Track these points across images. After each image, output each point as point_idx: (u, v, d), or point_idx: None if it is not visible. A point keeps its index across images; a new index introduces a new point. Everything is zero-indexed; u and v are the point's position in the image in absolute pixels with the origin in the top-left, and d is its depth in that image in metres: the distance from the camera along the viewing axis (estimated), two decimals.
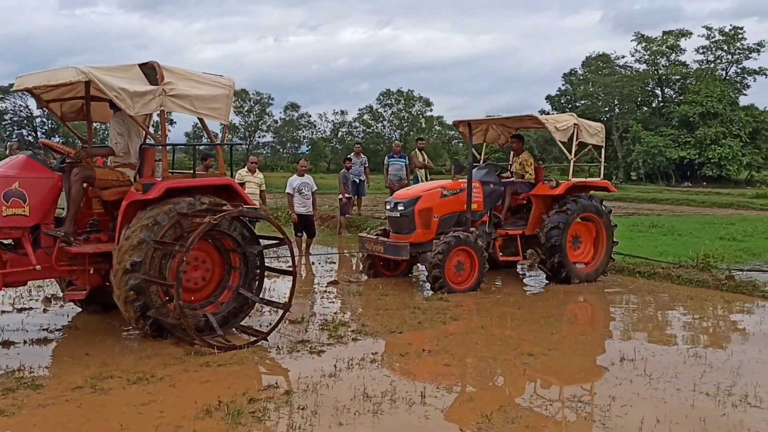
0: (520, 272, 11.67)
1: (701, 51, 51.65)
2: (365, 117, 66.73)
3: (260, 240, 7.17)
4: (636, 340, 7.19)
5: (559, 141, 10.29)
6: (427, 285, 9.50)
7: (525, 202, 10.83)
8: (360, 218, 16.70)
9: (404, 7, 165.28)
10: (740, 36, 50.16)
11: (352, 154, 17.04)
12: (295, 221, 12.85)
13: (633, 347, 6.75)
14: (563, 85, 59.49)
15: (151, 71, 6.79)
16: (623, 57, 55.80)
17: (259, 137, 67.52)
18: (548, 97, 60.12)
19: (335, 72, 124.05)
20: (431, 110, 67.29)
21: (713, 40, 50.83)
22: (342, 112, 66.69)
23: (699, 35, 51.59)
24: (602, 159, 11.07)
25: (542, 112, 60.24)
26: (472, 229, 9.88)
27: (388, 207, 10.18)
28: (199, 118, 7.01)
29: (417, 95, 66.88)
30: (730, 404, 5.22)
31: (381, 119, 67.25)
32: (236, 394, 5.19)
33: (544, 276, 10.60)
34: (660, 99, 54.83)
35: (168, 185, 6.64)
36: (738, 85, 51.10)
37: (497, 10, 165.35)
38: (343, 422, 4.78)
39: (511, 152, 11.31)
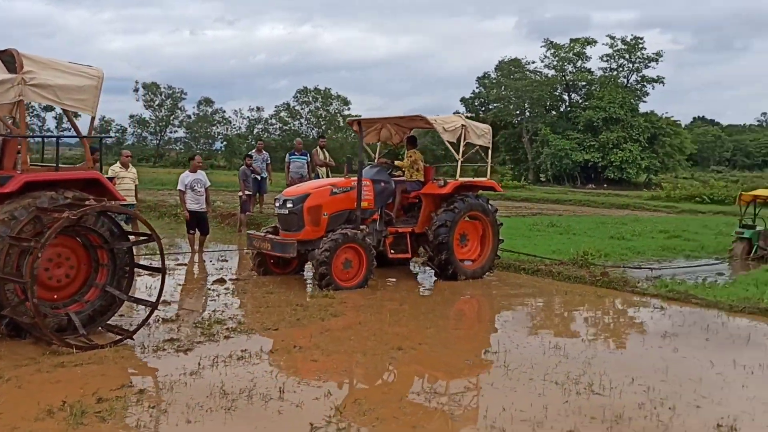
0: (414, 270, 11.87)
1: (605, 59, 54.19)
2: (282, 114, 66.07)
3: (129, 236, 6.97)
4: (504, 334, 7.46)
5: (447, 141, 10.53)
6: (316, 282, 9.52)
7: (417, 200, 11.03)
8: (261, 216, 16.51)
9: (324, 6, 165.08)
10: (641, 46, 52.93)
11: (253, 150, 16.84)
12: (188, 218, 12.58)
13: (498, 340, 7.00)
14: (477, 88, 61.00)
15: (10, 59, 6.49)
16: (533, 62, 57.76)
17: (170, 132, 65.61)
18: (462, 100, 61.53)
19: (253, 68, 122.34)
20: (349, 109, 67.41)
21: (616, 48, 53.41)
22: (258, 109, 65.66)
23: (603, 44, 54.01)
24: (489, 160, 11.40)
25: (456, 113, 61.39)
26: (362, 226, 9.96)
27: (277, 204, 10.13)
28: (63, 110, 6.75)
29: (335, 94, 66.82)
30: (575, 392, 5.50)
31: (298, 117, 66.76)
32: (85, 395, 5.04)
33: (433, 273, 10.83)
34: (567, 104, 57.03)
35: (27, 179, 6.36)
36: (638, 92, 53.81)
37: (417, 12, 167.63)
38: (192, 420, 4.73)
39: (405, 152, 11.46)
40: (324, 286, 9.17)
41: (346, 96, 67.74)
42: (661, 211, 32.54)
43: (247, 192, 15.40)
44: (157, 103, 64.57)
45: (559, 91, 56.97)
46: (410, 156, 11.01)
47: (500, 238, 11.15)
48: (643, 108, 53.42)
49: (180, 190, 12.70)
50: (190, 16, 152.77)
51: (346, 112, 67.44)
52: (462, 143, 10.64)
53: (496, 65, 59.07)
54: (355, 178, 10.06)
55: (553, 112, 56.93)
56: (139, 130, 64.68)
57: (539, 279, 11.07)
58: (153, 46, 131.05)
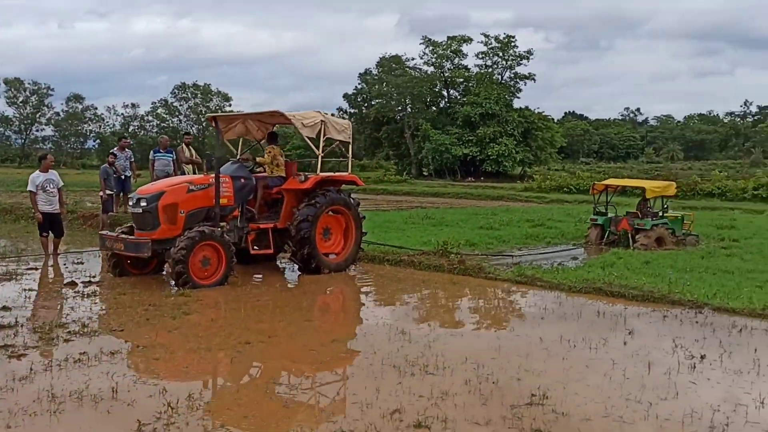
0: (282, 265, 11.90)
1: (480, 56, 56.19)
2: (159, 111, 63.84)
3: None
4: (354, 323, 7.70)
5: (307, 137, 10.61)
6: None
7: (279, 196, 11.05)
8: (126, 216, 15.91)
9: (203, 0, 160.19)
10: (513, 44, 55.31)
11: (116, 148, 16.20)
12: (41, 221, 11.95)
13: (347, 329, 7.22)
14: (359, 84, 61.51)
15: None
16: (413, 59, 58.99)
17: (37, 130, 61.77)
18: (345, 96, 61.87)
19: (129, 63, 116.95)
20: (230, 105, 66.12)
21: (490, 46, 55.51)
22: (133, 106, 63.10)
23: (478, 42, 56.01)
24: (350, 155, 11.58)
25: (340, 110, 61.77)
26: (223, 224, 9.87)
27: (130, 203, 9.85)
28: None
29: (215, 89, 65.38)
30: (410, 374, 5.78)
31: (177, 113, 64.73)
32: None
33: (297, 267, 10.92)
34: (446, 100, 58.71)
35: None
36: (512, 88, 56.24)
37: (299, 7, 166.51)
38: (13, 425, 4.58)
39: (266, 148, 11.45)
40: (181, 285, 9.02)
41: (227, 92, 66.53)
42: (532, 201, 34.29)
43: (108, 191, 14.80)
44: (21, 99, 60.57)
45: (438, 87, 58.49)
46: (269, 152, 11.03)
47: (363, 231, 11.40)
48: (518, 104, 55.96)
49: (30, 192, 12.03)
50: (58, 8, 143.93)
51: (228, 108, 66.18)
52: (322, 138, 10.77)
53: (378, 62, 59.89)
54: (213, 175, 9.95)
55: (434, 108, 58.41)
56: (1, 129, 60.43)
57: (401, 269, 11.43)
58: (18, 40, 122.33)
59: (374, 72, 60.36)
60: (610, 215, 15.68)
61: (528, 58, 55.37)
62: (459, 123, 53.91)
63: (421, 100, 57.24)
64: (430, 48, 56.41)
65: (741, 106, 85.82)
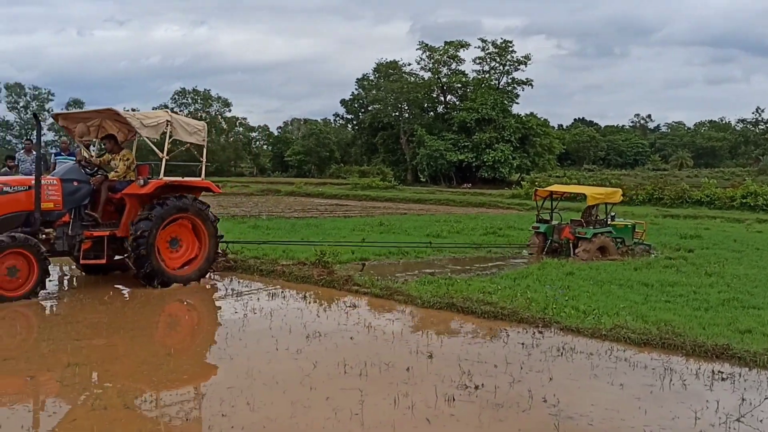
0: None
1: (477, 62, 55.21)
2: None
3: None
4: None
5: (147, 137, 9.74)
6: None
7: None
8: None
9: (219, 8, 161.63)
10: (510, 48, 54.27)
11: (21, 151, 15.56)
12: None
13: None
14: (356, 89, 60.91)
15: None
16: (410, 64, 58.21)
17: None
18: (342, 102, 61.30)
19: (146, 70, 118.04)
20: (230, 110, 66.00)
21: (488, 51, 54.51)
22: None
23: (476, 47, 55.05)
24: (203, 158, 10.64)
25: (336, 116, 61.17)
26: (49, 230, 9.03)
27: None
28: None
29: (215, 95, 65.25)
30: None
31: None
32: None
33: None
34: (444, 105, 57.81)
35: None
36: (510, 94, 55.16)
37: (314, 15, 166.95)
38: None
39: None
40: None
41: (226, 97, 66.43)
42: (512, 208, 33.25)
43: None
44: (21, 104, 60.94)
45: (435, 93, 57.65)
46: (126, 158, 10.09)
47: (219, 237, 10.41)
48: (522, 110, 54.94)
49: None
50: (77, 16, 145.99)
51: (228, 114, 66.16)
52: (167, 140, 9.88)
53: (374, 67, 59.28)
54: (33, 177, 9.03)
55: (430, 114, 57.57)
56: (2, 134, 60.90)
57: (267, 279, 10.55)
58: (38, 47, 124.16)
59: (371, 77, 59.70)
60: (553, 223, 14.72)
61: (526, 63, 54.28)
62: (455, 129, 53.01)
63: (418, 105, 56.43)
64: (427, 53, 55.65)
65: (753, 113, 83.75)
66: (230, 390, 5.15)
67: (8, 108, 59.78)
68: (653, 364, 6.25)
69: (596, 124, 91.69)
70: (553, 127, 58.84)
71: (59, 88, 76.42)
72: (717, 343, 6.58)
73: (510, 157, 51.44)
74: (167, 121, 9.84)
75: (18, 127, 60.70)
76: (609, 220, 14.56)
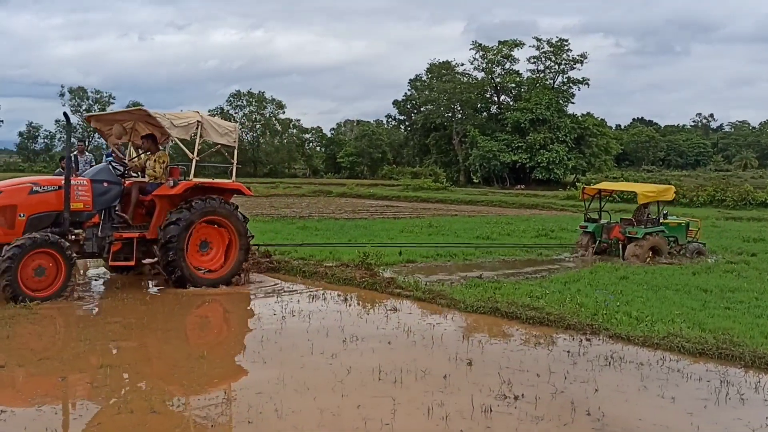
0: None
1: (532, 61, 54.27)
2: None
3: None
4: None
5: (177, 138, 9.68)
6: None
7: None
8: None
9: (276, 11, 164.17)
10: (566, 47, 53.16)
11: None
12: None
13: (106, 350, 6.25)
14: (409, 90, 60.69)
15: None
16: (462, 65, 57.64)
17: (100, 137, 64.09)
18: (395, 103, 61.18)
19: (204, 73, 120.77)
20: (284, 112, 66.71)
21: (542, 50, 53.52)
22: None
23: (530, 46, 54.13)
24: (235, 160, 10.50)
25: (388, 117, 61.06)
26: (79, 231, 8.99)
27: None
28: None
29: (269, 97, 66.06)
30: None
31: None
32: None
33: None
34: (497, 106, 57.04)
35: None
36: (565, 93, 54.02)
37: (369, 17, 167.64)
38: None
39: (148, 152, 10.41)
40: (9, 298, 8.04)
41: (280, 99, 67.19)
42: (567, 210, 32.38)
43: None
44: (84, 107, 62.99)
45: (489, 93, 56.95)
46: (162, 160, 10.12)
47: (250, 241, 10.22)
48: (578, 110, 53.77)
49: None
50: (139, 21, 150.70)
51: (282, 116, 66.86)
52: (198, 141, 9.84)
53: (427, 68, 58.93)
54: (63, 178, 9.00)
55: (484, 114, 56.88)
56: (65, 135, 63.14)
57: (310, 281, 10.44)
58: (101, 51, 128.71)
59: (424, 78, 59.38)
60: (602, 222, 14.25)
61: (582, 62, 53.07)
62: (508, 129, 52.21)
63: (470, 105, 55.82)
64: (481, 53, 55.00)
65: None
66: (259, 396, 5.01)
67: (72, 111, 61.87)
68: (708, 375, 5.86)
69: (656, 123, 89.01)
70: (611, 127, 57.20)
71: (120, 92, 79.43)
72: None
73: (565, 158, 50.35)
74: (198, 121, 9.75)
75: (81, 130, 62.79)
76: (661, 218, 13.95)
